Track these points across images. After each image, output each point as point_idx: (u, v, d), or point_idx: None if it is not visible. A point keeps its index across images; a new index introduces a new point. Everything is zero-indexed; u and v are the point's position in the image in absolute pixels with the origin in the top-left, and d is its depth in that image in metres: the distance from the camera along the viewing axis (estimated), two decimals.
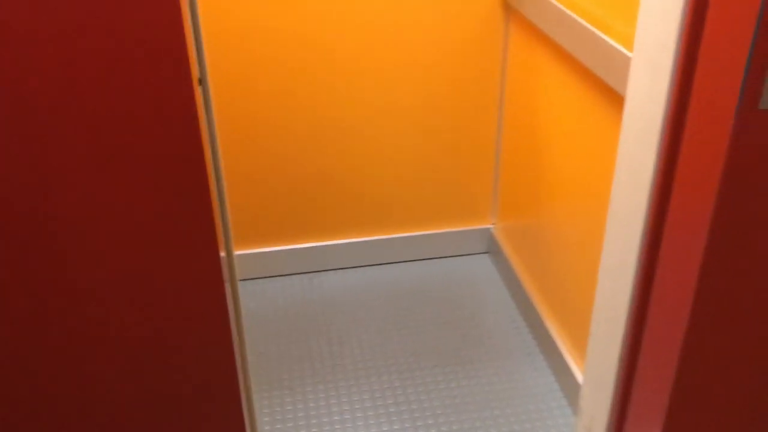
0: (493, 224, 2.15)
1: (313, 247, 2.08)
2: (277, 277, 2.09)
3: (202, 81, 0.98)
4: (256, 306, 1.96)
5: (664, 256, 1.08)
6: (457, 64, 1.89)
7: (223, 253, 1.17)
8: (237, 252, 2.04)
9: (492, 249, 2.14)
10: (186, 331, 1.08)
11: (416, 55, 1.86)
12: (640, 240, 1.13)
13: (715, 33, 0.90)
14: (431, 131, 1.97)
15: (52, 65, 0.82)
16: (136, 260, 0.99)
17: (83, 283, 0.98)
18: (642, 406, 1.21)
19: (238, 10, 1.72)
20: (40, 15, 0.79)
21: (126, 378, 1.09)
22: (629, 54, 1.21)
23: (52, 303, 0.99)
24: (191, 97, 0.88)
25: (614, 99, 1.31)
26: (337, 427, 1.58)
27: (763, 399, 1.13)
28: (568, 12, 1.43)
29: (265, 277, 2.09)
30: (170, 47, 0.83)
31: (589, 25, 1.35)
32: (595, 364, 1.34)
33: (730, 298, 1.01)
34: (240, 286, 2.00)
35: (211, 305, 1.07)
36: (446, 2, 1.80)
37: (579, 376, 1.58)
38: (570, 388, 1.62)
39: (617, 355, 1.25)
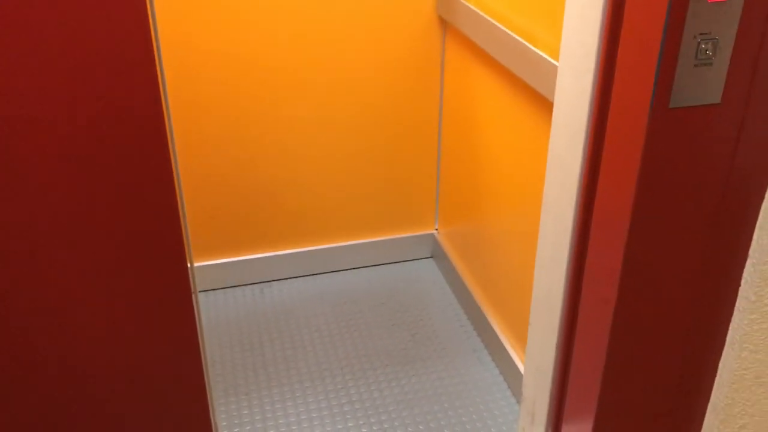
0: (436, 230, 2.24)
1: (262, 257, 2.12)
2: (228, 289, 2.13)
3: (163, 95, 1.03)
4: (209, 317, 2.00)
5: (592, 248, 1.18)
6: (398, 76, 1.98)
7: (189, 264, 1.21)
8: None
9: (436, 253, 2.23)
10: (157, 342, 1.12)
11: (358, 69, 1.94)
12: (570, 234, 1.23)
13: (629, 42, 1.00)
14: (374, 142, 2.05)
15: (20, 80, 0.86)
16: (106, 270, 1.02)
17: (53, 294, 1.01)
18: (578, 389, 1.31)
19: (179, 26, 1.77)
20: (9, 25, 0.83)
21: (97, 388, 1.12)
22: (555, 63, 1.32)
23: (15, 318, 1.01)
24: (159, 110, 0.93)
25: (544, 105, 1.41)
26: (293, 428, 1.63)
27: (685, 380, 1.24)
28: (498, 25, 1.54)
29: (216, 289, 2.12)
30: (139, 62, 0.88)
31: (518, 37, 1.45)
32: (535, 353, 1.43)
33: (651, 285, 1.12)
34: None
35: (181, 316, 1.11)
36: (385, 18, 1.89)
37: (522, 368, 1.68)
38: (514, 379, 1.71)
39: (554, 342, 1.34)
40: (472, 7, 1.68)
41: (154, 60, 0.90)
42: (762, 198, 1.07)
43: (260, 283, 2.15)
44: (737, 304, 1.16)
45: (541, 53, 1.37)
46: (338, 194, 2.10)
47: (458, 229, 2.05)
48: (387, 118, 2.03)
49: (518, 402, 1.69)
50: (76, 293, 1.03)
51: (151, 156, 0.96)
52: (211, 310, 2.03)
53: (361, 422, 1.65)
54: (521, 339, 1.69)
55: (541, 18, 1.39)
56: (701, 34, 0.92)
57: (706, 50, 0.93)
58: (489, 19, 1.59)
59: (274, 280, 2.16)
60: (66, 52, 0.86)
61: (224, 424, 1.65)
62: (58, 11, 0.84)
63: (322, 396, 1.72)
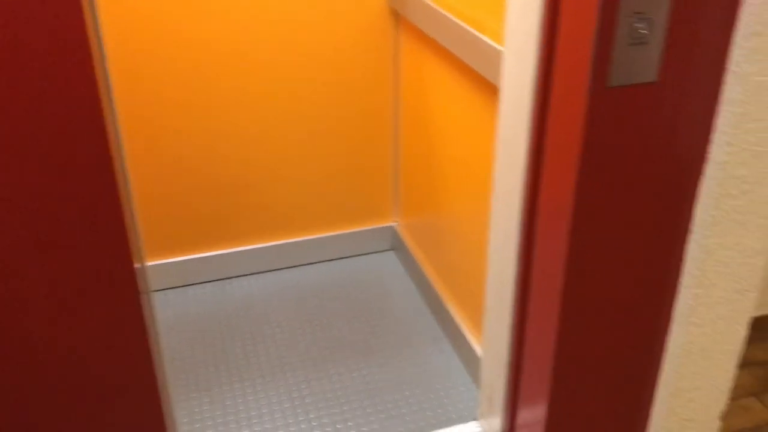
0: (396, 222, 2.25)
1: (222, 254, 2.12)
2: (189, 286, 2.11)
3: (104, 87, 1.02)
4: (170, 315, 1.99)
5: (539, 231, 1.20)
6: (353, 70, 1.98)
7: (137, 264, 1.20)
8: (148, 263, 2.06)
9: (396, 246, 2.24)
10: (104, 343, 1.10)
11: (313, 64, 1.94)
12: (519, 218, 1.25)
13: (567, 24, 1.02)
14: (332, 136, 2.06)
15: None
16: (49, 272, 1.01)
17: None
18: (532, 372, 1.32)
19: (139, 19, 1.76)
20: None
21: (45, 389, 1.11)
22: (501, 48, 1.34)
23: None
24: (98, 104, 0.92)
25: (493, 91, 1.43)
26: (254, 421, 1.63)
27: (636, 356, 1.27)
28: (447, 14, 1.56)
29: (177, 287, 2.11)
30: (74, 55, 0.88)
31: (465, 25, 1.47)
32: (491, 338, 1.45)
33: (597, 264, 1.14)
34: (153, 296, 2.01)
35: (128, 317, 1.10)
36: (338, 12, 1.89)
37: (480, 354, 1.70)
38: (473, 366, 1.73)
39: (508, 326, 1.36)
40: None
41: (90, 52, 0.89)
42: (701, 174, 1.10)
43: (221, 280, 2.14)
44: (682, 280, 1.19)
45: (487, 39, 1.39)
46: (297, 189, 2.10)
47: (417, 221, 2.07)
48: (344, 112, 2.04)
49: (478, 387, 1.71)
50: (17, 294, 1.01)
51: (89, 156, 0.95)
52: (172, 308, 2.01)
53: (322, 413, 1.65)
54: (480, 326, 1.71)
55: (487, 5, 1.41)
56: (636, 13, 0.95)
57: (641, 29, 0.96)
58: (438, 8, 1.60)
59: (234, 277, 2.15)
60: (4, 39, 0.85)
61: (185, 420, 1.64)
62: None
63: (284, 389, 1.72)
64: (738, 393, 1.74)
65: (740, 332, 1.26)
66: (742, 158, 1.06)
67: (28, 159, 0.93)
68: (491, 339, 1.45)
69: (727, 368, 1.30)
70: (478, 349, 1.72)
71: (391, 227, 2.25)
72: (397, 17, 1.94)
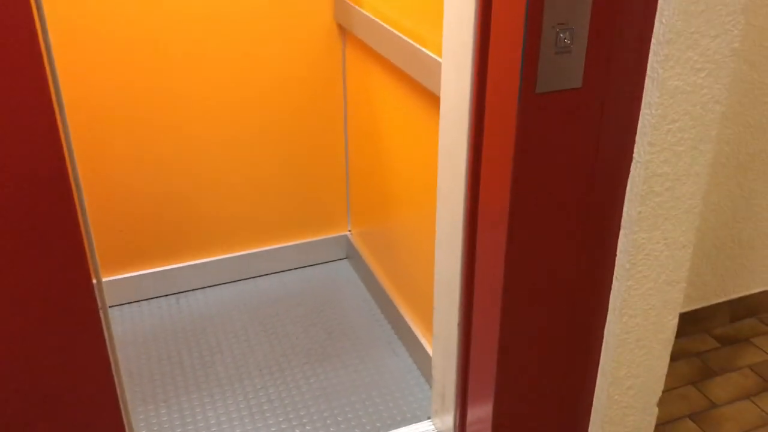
0: (349, 231, 2.30)
1: (176, 268, 2.14)
2: (144, 301, 2.13)
3: (58, 104, 1.06)
4: (125, 330, 2.00)
5: (480, 232, 1.26)
6: (302, 83, 2.03)
7: (94, 280, 1.22)
8: (103, 279, 2.07)
9: (350, 254, 2.29)
10: (63, 357, 1.12)
11: (263, 78, 1.99)
12: (462, 220, 1.31)
13: (498, 36, 1.09)
14: (284, 148, 2.10)
15: None
16: (8, 288, 1.03)
17: None
18: (479, 368, 1.38)
19: (87, 31, 1.78)
20: None
21: (3, 402, 1.12)
22: (440, 59, 1.40)
23: None
24: (53, 120, 0.95)
25: (434, 101, 1.50)
26: (213, 429, 1.66)
27: (575, 350, 1.34)
28: (389, 28, 1.62)
29: (132, 302, 2.12)
30: (28, 71, 0.91)
31: (406, 38, 1.54)
32: (440, 336, 1.51)
33: (533, 261, 1.20)
34: (109, 311, 2.02)
35: (87, 331, 1.12)
36: (286, 27, 1.95)
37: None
38: (426, 366, 1.78)
39: (456, 325, 1.42)
40: (366, 12, 1.76)
41: (43, 68, 0.93)
42: (628, 173, 1.18)
43: (176, 294, 2.16)
44: (615, 273, 1.27)
45: (427, 52, 1.45)
46: (251, 201, 2.14)
47: (370, 229, 2.12)
48: (295, 125, 2.09)
49: (431, 387, 1.76)
50: None
51: (45, 173, 0.97)
52: (128, 323, 2.02)
53: (280, 419, 1.68)
54: (431, 328, 1.77)
55: (427, 19, 1.47)
56: (559, 24, 1.02)
57: (565, 39, 1.03)
58: (380, 23, 1.67)
59: (190, 290, 2.17)
60: None
61: (144, 431, 1.66)
62: None
63: (241, 397, 1.75)
64: (677, 382, 1.83)
65: (672, 321, 1.34)
66: (664, 157, 1.14)
67: None
68: (440, 338, 1.51)
69: (662, 356, 1.38)
70: (430, 351, 1.78)
71: (344, 236, 2.30)
72: (344, 32, 2.00)
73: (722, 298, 2.03)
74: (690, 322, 2.00)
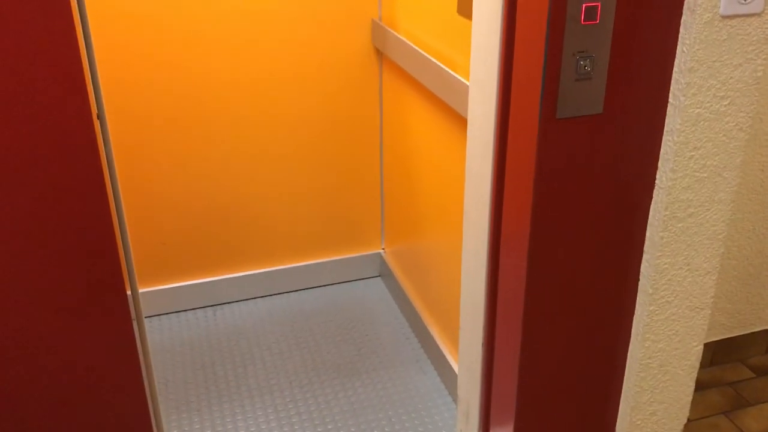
0: (383, 249, 2.33)
1: (214, 281, 2.20)
2: (181, 312, 2.19)
3: (100, 116, 1.12)
4: (163, 339, 2.06)
5: (503, 253, 1.28)
6: (342, 105, 2.09)
7: (129, 291, 1.27)
8: (141, 290, 2.14)
9: (383, 272, 2.32)
10: (98, 366, 1.18)
11: (305, 100, 2.05)
12: (486, 242, 1.33)
13: (520, 62, 1.12)
14: (322, 168, 2.15)
15: None
16: (45, 299, 1.08)
17: None
18: (502, 387, 1.40)
19: (131, 49, 1.87)
20: None
21: (42, 409, 1.17)
22: (468, 83, 1.43)
23: None
24: (92, 134, 1.01)
25: (464, 124, 1.53)
26: None
27: (598, 374, 1.34)
28: (422, 53, 1.66)
29: (170, 313, 2.19)
30: (70, 85, 0.97)
31: (439, 63, 1.57)
32: (465, 354, 1.52)
33: (555, 283, 1.22)
34: (146, 322, 2.09)
35: (120, 342, 1.17)
36: (326, 52, 2.00)
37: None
38: (453, 385, 1.80)
39: (480, 343, 1.44)
40: (401, 37, 1.80)
41: (84, 82, 0.99)
42: (650, 198, 1.19)
43: (212, 306, 2.22)
44: (638, 298, 1.27)
45: (456, 76, 1.48)
46: (288, 218, 2.19)
47: (402, 248, 2.15)
48: (332, 144, 2.14)
49: (456, 405, 1.77)
50: (14, 320, 1.09)
51: (85, 187, 1.03)
52: (165, 333, 2.09)
53: None
54: (458, 346, 1.78)
55: (457, 44, 1.51)
56: (579, 52, 1.04)
57: (585, 66, 1.05)
58: (415, 47, 1.71)
59: (225, 303, 2.23)
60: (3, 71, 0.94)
61: None
62: None
63: (271, 409, 1.79)
64: (708, 412, 1.80)
65: (696, 348, 1.34)
66: (686, 183, 1.15)
67: (24, 188, 1.02)
68: (466, 355, 1.53)
69: (686, 383, 1.37)
70: (457, 369, 1.79)
71: (378, 254, 2.33)
72: (381, 55, 2.05)
73: (758, 327, 2.00)
74: (724, 351, 1.98)
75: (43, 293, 1.09)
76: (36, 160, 1.00)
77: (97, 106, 1.12)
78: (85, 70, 0.98)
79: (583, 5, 1.01)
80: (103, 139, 1.16)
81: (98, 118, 1.12)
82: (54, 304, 1.10)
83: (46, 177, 1.01)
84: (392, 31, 1.87)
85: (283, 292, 2.28)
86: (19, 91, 0.96)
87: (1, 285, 1.06)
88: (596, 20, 1.03)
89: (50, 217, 1.04)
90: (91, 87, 1.10)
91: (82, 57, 0.97)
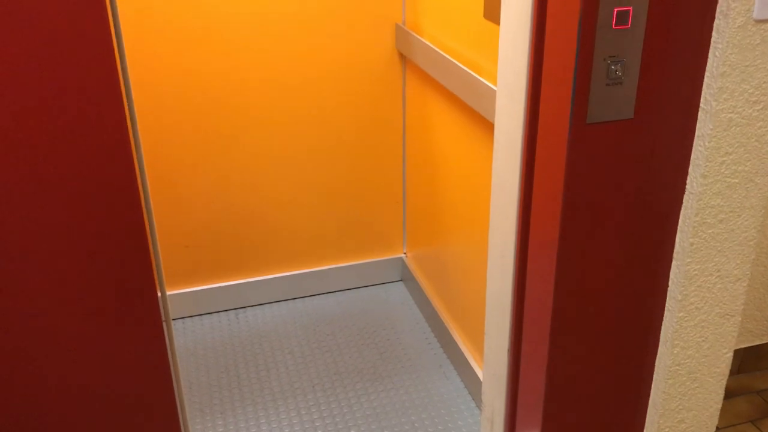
0: (405, 253, 2.33)
1: (237, 284, 2.21)
2: (205, 315, 2.20)
3: (131, 121, 1.13)
4: (187, 342, 2.07)
5: (531, 258, 1.28)
6: (364, 109, 2.09)
7: (159, 293, 1.28)
8: (167, 293, 2.15)
9: (405, 276, 2.32)
10: (127, 368, 1.18)
11: (327, 104, 2.05)
12: (513, 247, 1.33)
13: (550, 67, 1.11)
14: (345, 172, 2.16)
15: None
16: (81, 302, 1.10)
17: (26, 327, 1.08)
18: (528, 393, 1.39)
19: (158, 52, 1.88)
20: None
21: (72, 408, 1.18)
22: (495, 88, 1.43)
23: None
24: (127, 140, 1.02)
25: (488, 128, 1.53)
26: None
27: (626, 380, 1.33)
28: (447, 57, 1.66)
29: (193, 316, 2.20)
30: (104, 90, 0.98)
31: (464, 67, 1.57)
32: (490, 360, 1.52)
33: (583, 288, 1.21)
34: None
35: (151, 343, 1.18)
36: (350, 55, 2.01)
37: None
38: (476, 390, 1.79)
39: (506, 348, 1.43)
40: (425, 41, 1.80)
41: (119, 84, 1.00)
42: (680, 204, 1.18)
43: (235, 309, 2.22)
44: (666, 304, 1.26)
45: (482, 80, 1.48)
46: (310, 222, 2.20)
47: (425, 252, 2.15)
48: (355, 148, 2.14)
49: (480, 411, 1.77)
50: (42, 321, 1.10)
51: (119, 189, 1.04)
52: (188, 336, 2.10)
53: None
54: (482, 352, 1.78)
55: (483, 48, 1.51)
56: (610, 56, 1.04)
57: (616, 71, 1.05)
58: (439, 51, 1.71)
59: (248, 306, 2.23)
60: (40, 72, 0.96)
61: None
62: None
63: (294, 413, 1.79)
64: (735, 420, 1.78)
65: (726, 355, 1.32)
66: (717, 189, 1.14)
67: (60, 193, 1.03)
68: (491, 361, 1.52)
69: (716, 390, 1.36)
70: (481, 375, 1.78)
71: (400, 258, 2.33)
72: (404, 59, 2.05)
73: None
74: (753, 359, 1.95)
75: (77, 297, 1.10)
76: (71, 166, 1.01)
77: (129, 110, 1.13)
78: (119, 75, 0.99)
79: (615, 9, 1.01)
80: (135, 144, 1.17)
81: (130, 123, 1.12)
82: (87, 308, 1.11)
83: (80, 181, 1.02)
84: (416, 35, 1.87)
85: (305, 296, 2.28)
86: (54, 97, 0.97)
87: (38, 290, 1.07)
88: (628, 25, 1.02)
89: (83, 221, 1.05)
90: (127, 103, 1.11)
91: (117, 63, 0.98)
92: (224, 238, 2.14)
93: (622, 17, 1.01)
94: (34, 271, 1.05)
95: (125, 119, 1.01)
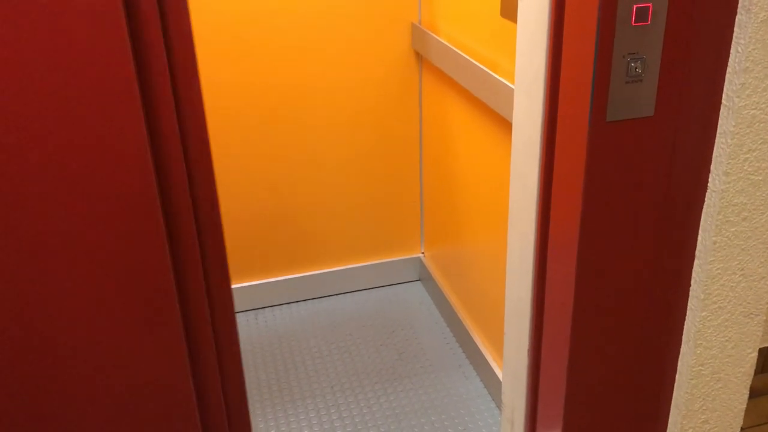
0: (422, 253, 2.32)
1: (256, 285, 2.21)
2: None
3: None
4: None
5: (551, 257, 1.26)
6: (380, 108, 2.09)
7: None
8: None
9: (423, 276, 2.31)
10: (149, 369, 1.19)
11: (343, 105, 2.05)
12: (533, 245, 1.32)
13: (569, 64, 1.10)
14: (362, 172, 2.15)
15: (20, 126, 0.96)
16: (92, 293, 1.10)
17: (65, 336, 1.09)
18: (548, 394, 1.38)
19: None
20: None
21: (98, 420, 1.19)
22: (513, 87, 1.42)
23: (27, 359, 1.09)
24: (142, 138, 1.02)
25: (506, 126, 1.51)
26: None
27: (648, 380, 1.32)
28: (464, 55, 1.65)
29: None
30: (120, 95, 0.98)
31: (481, 66, 1.56)
32: (510, 359, 1.51)
33: (604, 287, 1.20)
34: None
35: (171, 343, 1.19)
36: (367, 56, 2.00)
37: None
38: (496, 390, 1.78)
39: (526, 348, 1.42)
40: (442, 40, 1.79)
41: (135, 88, 0.99)
42: (702, 202, 1.16)
43: (254, 309, 2.23)
44: (689, 303, 1.25)
45: (500, 78, 1.47)
46: (328, 222, 2.20)
47: (443, 252, 2.14)
48: (372, 148, 2.14)
49: (500, 411, 1.75)
50: (78, 332, 1.11)
51: (139, 194, 1.05)
52: None
53: None
54: (502, 352, 1.76)
55: (500, 46, 1.50)
56: (630, 53, 1.02)
57: (636, 68, 1.03)
58: (456, 50, 1.70)
59: (267, 307, 2.24)
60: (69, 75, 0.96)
61: None
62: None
63: (314, 413, 1.79)
64: (761, 420, 1.76)
65: (751, 355, 1.30)
66: (740, 186, 1.12)
67: (86, 197, 1.03)
68: (511, 360, 1.51)
69: (740, 390, 1.34)
70: (500, 375, 1.77)
71: (418, 258, 2.32)
72: (420, 59, 2.04)
73: None
74: None
75: (104, 302, 1.10)
76: (92, 169, 1.01)
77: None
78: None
79: (634, 6, 0.99)
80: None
81: None
82: (114, 312, 1.11)
83: (101, 184, 1.03)
84: (433, 34, 1.86)
85: (324, 296, 2.28)
86: (71, 98, 0.97)
87: (69, 295, 1.08)
88: (647, 21, 1.00)
89: (104, 226, 1.05)
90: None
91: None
92: (243, 239, 2.14)
93: (642, 14, 1.00)
94: (69, 272, 1.06)
95: (143, 125, 1.01)
